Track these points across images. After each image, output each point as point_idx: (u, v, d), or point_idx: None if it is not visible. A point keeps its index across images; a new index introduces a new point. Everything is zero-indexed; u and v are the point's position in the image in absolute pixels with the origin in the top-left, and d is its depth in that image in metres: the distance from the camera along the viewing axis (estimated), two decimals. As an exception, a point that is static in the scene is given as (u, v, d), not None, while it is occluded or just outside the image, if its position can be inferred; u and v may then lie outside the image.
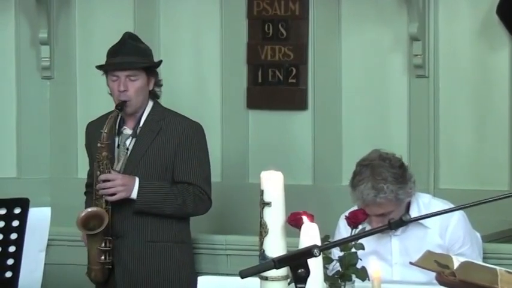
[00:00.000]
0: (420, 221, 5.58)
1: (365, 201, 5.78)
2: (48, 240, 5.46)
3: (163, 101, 7.15)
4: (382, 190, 5.81)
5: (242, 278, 3.93)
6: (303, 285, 3.76)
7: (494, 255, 6.37)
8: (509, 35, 7.44)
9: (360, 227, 5.18)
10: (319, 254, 3.88)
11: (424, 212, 5.93)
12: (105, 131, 6.55)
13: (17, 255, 5.23)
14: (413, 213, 5.98)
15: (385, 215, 5.83)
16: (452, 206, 5.66)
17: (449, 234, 6.04)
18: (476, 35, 7.75)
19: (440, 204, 6.09)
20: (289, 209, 4.55)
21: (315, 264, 4.12)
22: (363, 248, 4.99)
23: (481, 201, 4.47)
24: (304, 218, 4.48)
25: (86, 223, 6.50)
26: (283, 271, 4.21)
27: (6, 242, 5.13)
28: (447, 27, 7.75)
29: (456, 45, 7.75)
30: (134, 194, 6.61)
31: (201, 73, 8.20)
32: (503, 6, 7.30)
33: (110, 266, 6.79)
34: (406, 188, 5.92)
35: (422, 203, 6.17)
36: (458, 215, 6.03)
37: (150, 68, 6.77)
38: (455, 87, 7.79)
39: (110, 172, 6.60)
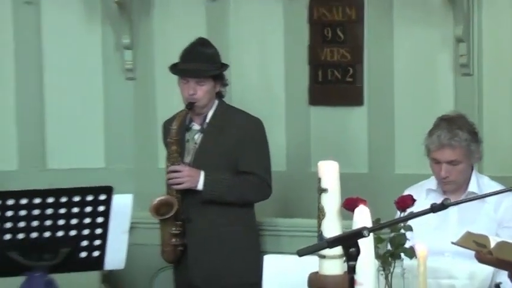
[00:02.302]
0: (482, 194, 6.18)
1: (441, 143, 6.43)
2: (132, 223, 6.10)
3: (233, 98, 8.06)
4: (457, 135, 6.42)
5: (299, 256, 4.43)
6: (354, 263, 4.24)
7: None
8: None
9: (408, 210, 5.39)
10: (369, 235, 4.32)
11: (482, 188, 6.54)
12: (174, 127, 7.34)
13: (103, 237, 5.89)
14: (472, 187, 6.58)
15: (454, 164, 6.46)
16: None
17: (503, 209, 6.53)
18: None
19: (495, 185, 6.61)
20: (346, 194, 5.16)
21: (366, 244, 4.66)
22: (411, 229, 5.24)
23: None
24: (358, 203, 5.03)
25: (158, 209, 7.34)
26: (338, 250, 4.62)
27: (94, 225, 5.84)
28: (490, 29, 7.91)
29: (499, 45, 7.90)
30: (200, 185, 7.29)
31: (267, 73, 8.57)
32: None
33: (182, 248, 7.38)
34: (477, 145, 6.58)
35: (482, 181, 6.68)
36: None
37: (217, 74, 7.42)
38: (499, 84, 7.96)
39: (179, 164, 7.36)
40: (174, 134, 7.44)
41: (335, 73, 8.38)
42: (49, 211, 5.86)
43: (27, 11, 9.03)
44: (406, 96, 8.24)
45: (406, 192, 6.02)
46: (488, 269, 5.28)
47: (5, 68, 9.07)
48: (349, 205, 5.14)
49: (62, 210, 5.88)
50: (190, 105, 7.40)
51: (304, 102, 8.51)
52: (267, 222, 7.80)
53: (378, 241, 5.11)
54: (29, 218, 5.82)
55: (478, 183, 6.68)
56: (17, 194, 5.78)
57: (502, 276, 5.16)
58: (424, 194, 6.56)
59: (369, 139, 8.38)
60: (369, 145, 8.38)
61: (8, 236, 5.79)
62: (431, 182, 6.69)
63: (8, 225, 5.79)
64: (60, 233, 5.90)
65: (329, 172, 5.20)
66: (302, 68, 8.50)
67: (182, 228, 7.47)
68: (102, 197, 5.94)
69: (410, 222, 5.22)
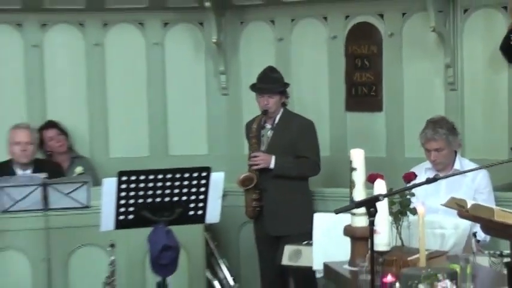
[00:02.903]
0: (462, 170, 6.47)
1: (427, 137, 6.56)
2: (224, 191, 6.18)
3: (296, 105, 8.09)
4: (438, 132, 6.54)
5: (336, 213, 4.60)
6: (373, 218, 4.34)
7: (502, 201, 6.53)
8: None
9: (412, 183, 5.29)
10: (383, 199, 4.55)
11: (463, 167, 6.62)
12: (254, 126, 7.40)
13: (205, 201, 6.00)
14: (456, 166, 6.68)
15: (439, 151, 6.57)
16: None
17: (478, 181, 6.64)
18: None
19: (473, 165, 6.52)
20: (369, 171, 5.15)
21: (382, 206, 4.71)
22: (414, 195, 5.19)
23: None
24: (377, 178, 5.00)
25: (243, 182, 7.35)
26: (363, 210, 4.64)
27: (198, 193, 5.93)
28: (469, 58, 7.77)
29: (475, 69, 7.76)
30: (272, 165, 7.28)
31: (316, 89, 8.45)
32: None
33: (259, 208, 7.39)
34: (454, 137, 6.63)
35: (464, 162, 6.75)
36: (485, 171, 6.63)
37: (281, 90, 7.44)
38: (475, 95, 7.83)
39: (257, 151, 7.37)
40: (254, 131, 7.48)
41: (363, 89, 8.27)
42: (168, 183, 5.88)
43: (156, 50, 9.00)
44: (412, 105, 8.09)
45: (411, 170, 5.92)
46: (467, 222, 5.20)
47: (140, 88, 9.02)
48: (371, 179, 5.11)
49: (177, 183, 5.90)
50: (264, 112, 7.42)
51: (342, 109, 8.40)
52: (317, 190, 7.66)
53: (390, 204, 5.05)
54: (154, 188, 5.84)
55: (461, 163, 6.76)
56: (147, 172, 5.83)
57: (477, 227, 5.09)
58: (423, 171, 6.54)
59: (386, 133, 8.24)
60: (386, 138, 8.23)
61: (140, 200, 5.82)
62: (428, 163, 6.72)
63: (141, 193, 5.82)
64: (175, 198, 5.94)
65: (357, 156, 5.27)
66: (340, 86, 8.37)
67: (259, 195, 7.45)
68: (204, 174, 5.99)
69: (413, 190, 5.16)
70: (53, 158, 8.44)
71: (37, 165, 7.48)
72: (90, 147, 8.97)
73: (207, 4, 8.50)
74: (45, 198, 6.26)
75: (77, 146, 8.85)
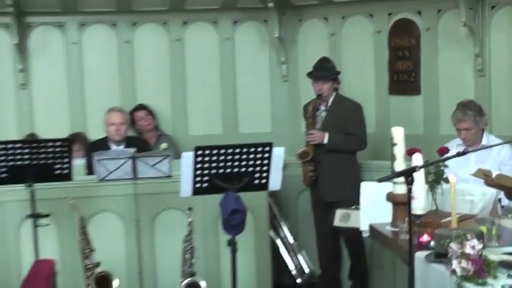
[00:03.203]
0: (488, 145, 6.34)
1: (457, 118, 6.39)
2: (284, 163, 6.10)
3: (346, 90, 7.91)
4: (467, 114, 6.36)
5: (379, 182, 4.58)
6: (411, 186, 4.30)
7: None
8: None
9: (445, 156, 5.24)
10: (419, 170, 4.54)
11: (490, 142, 6.45)
12: (310, 108, 7.43)
13: (268, 171, 5.92)
14: (484, 141, 6.48)
15: (468, 130, 6.37)
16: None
17: (502, 154, 6.41)
18: None
19: (498, 140, 6.44)
20: (408, 146, 5.10)
21: (419, 176, 4.67)
22: (447, 166, 5.08)
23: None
24: (415, 152, 4.87)
25: (301, 156, 7.35)
26: (402, 179, 4.53)
27: (262, 164, 5.86)
28: (495, 48, 7.61)
29: (501, 58, 7.58)
30: (325, 141, 7.25)
31: (364, 76, 8.34)
32: None
33: (315, 178, 7.38)
34: (481, 118, 6.43)
35: (490, 138, 6.57)
36: (509, 146, 6.37)
37: (333, 77, 7.44)
38: (501, 80, 7.62)
39: (313, 129, 7.37)
40: (310, 112, 7.47)
41: (404, 76, 8.12)
42: (237, 156, 5.85)
43: (227, 44, 8.99)
44: (445, 89, 7.91)
45: (444, 145, 5.92)
46: (493, 190, 5.19)
47: (214, 76, 9.03)
48: (409, 153, 5.01)
49: (244, 156, 5.86)
50: (319, 96, 7.39)
51: (385, 93, 8.25)
52: (364, 163, 7.58)
53: (426, 174, 4.95)
54: (225, 161, 5.82)
55: (488, 139, 6.57)
56: (219, 147, 5.82)
57: (501, 194, 5.19)
58: (455, 146, 6.38)
59: (423, 114, 8.06)
60: (423, 117, 8.06)
61: (213, 171, 5.80)
62: (459, 140, 6.55)
63: (214, 165, 5.81)
64: (242, 169, 5.89)
65: (398, 133, 5.21)
66: (384, 73, 8.23)
67: (315, 166, 7.41)
68: (267, 148, 5.93)
69: (446, 162, 5.05)
70: (142, 135, 8.50)
71: (128, 142, 7.51)
72: (172, 126, 8.96)
73: (270, 5, 8.51)
74: (135, 169, 6.29)
75: (162, 126, 8.85)
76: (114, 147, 7.46)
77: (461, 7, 7.49)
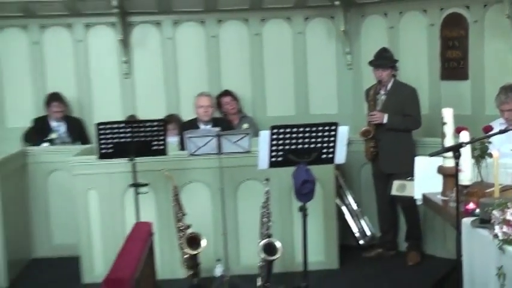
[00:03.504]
0: None
1: (501, 100, 6.20)
2: (349, 140, 6.06)
3: (403, 76, 7.71)
4: (509, 96, 6.15)
5: (430, 156, 4.71)
6: (458, 160, 4.36)
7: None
8: None
9: (489, 133, 5.21)
10: (466, 146, 4.65)
11: None
12: (371, 92, 7.28)
13: (334, 147, 5.85)
14: None
15: (510, 111, 6.14)
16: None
17: None
18: None
19: None
20: (457, 124, 5.11)
21: (466, 151, 4.79)
22: (490, 143, 4.99)
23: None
24: (463, 130, 4.93)
25: (364, 133, 7.22)
26: (451, 153, 4.68)
27: (329, 141, 5.81)
28: None
29: None
30: (385, 121, 7.10)
31: (419, 63, 8.12)
32: None
33: (375, 152, 7.26)
34: None
35: None
36: None
37: (391, 65, 7.28)
38: None
39: (374, 110, 7.23)
40: (371, 95, 7.35)
41: (453, 63, 7.91)
42: (307, 134, 5.81)
43: (300, 37, 8.92)
44: (490, 74, 7.66)
45: (488, 124, 5.82)
46: None
47: (288, 64, 8.97)
48: (458, 131, 4.99)
49: (313, 134, 5.82)
50: (379, 82, 7.25)
51: (437, 78, 8.06)
52: (418, 140, 7.36)
53: (473, 149, 4.93)
54: (297, 138, 5.80)
55: None
56: (292, 126, 5.81)
57: None
58: (498, 125, 6.06)
59: (471, 96, 7.85)
60: (470, 99, 7.85)
61: (287, 147, 5.77)
62: (502, 119, 6.31)
63: (287, 141, 5.78)
64: (312, 145, 5.84)
65: (448, 114, 5.20)
66: (436, 61, 8.03)
67: (375, 143, 7.28)
68: (333, 127, 5.86)
69: (490, 139, 5.00)
70: (226, 117, 8.49)
71: (215, 122, 7.53)
72: (252, 109, 8.95)
73: (337, 3, 8.44)
74: (219, 145, 6.26)
75: (244, 108, 8.85)
76: (202, 126, 7.47)
77: (505, 1, 7.30)
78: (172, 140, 7.61)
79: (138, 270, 3.91)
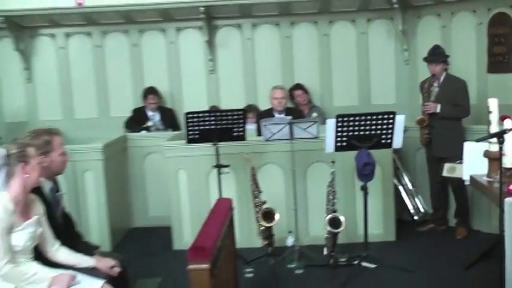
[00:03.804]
0: None
1: None
2: (405, 127, 6.16)
3: (454, 70, 7.40)
4: None
5: (477, 142, 4.68)
6: (502, 145, 4.38)
7: None
8: None
9: None
10: (509, 132, 4.57)
11: None
12: (426, 84, 7.11)
13: (392, 133, 5.88)
14: None
15: None
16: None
17: None
18: None
19: None
20: (501, 113, 4.96)
21: (509, 136, 4.63)
22: None
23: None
24: (507, 118, 4.85)
25: (419, 122, 7.06)
26: (495, 139, 4.54)
27: (387, 128, 5.84)
28: None
29: None
30: (438, 110, 6.91)
31: (467, 58, 7.85)
32: None
33: (429, 138, 7.08)
34: None
35: None
36: None
37: (444, 60, 7.09)
38: None
39: (428, 101, 7.03)
40: (426, 87, 7.18)
41: (499, 58, 7.63)
42: (368, 122, 5.82)
43: (363, 37, 8.78)
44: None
45: None
46: None
47: (351, 60, 8.86)
48: (502, 119, 4.87)
49: (374, 121, 5.82)
50: (433, 75, 7.08)
51: (484, 71, 7.79)
52: (467, 127, 7.12)
53: None
54: (359, 125, 5.83)
55: None
56: (355, 115, 5.84)
57: None
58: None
59: (516, 87, 7.60)
60: (516, 90, 7.62)
61: (350, 133, 5.79)
62: None
63: (351, 128, 5.82)
64: (372, 132, 5.85)
65: (493, 103, 5.10)
66: (484, 56, 7.76)
67: (429, 130, 7.10)
68: (391, 116, 5.86)
69: None
70: (298, 107, 8.41)
71: (287, 111, 7.48)
72: (321, 100, 8.84)
73: (396, 6, 8.29)
74: (291, 131, 6.23)
75: (313, 99, 8.76)
76: (276, 115, 7.42)
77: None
78: (251, 127, 7.59)
79: (219, 239, 3.93)
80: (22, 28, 8.85)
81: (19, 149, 3.90)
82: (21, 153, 3.89)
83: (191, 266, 3.40)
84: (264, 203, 6.39)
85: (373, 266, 6.06)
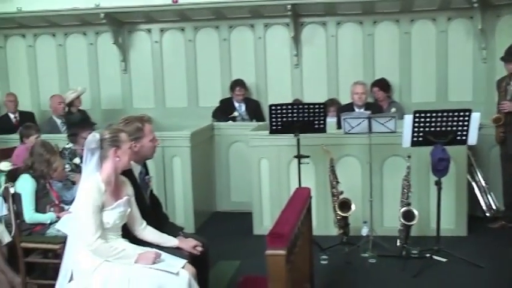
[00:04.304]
0: None
1: None
2: (480, 124, 5.86)
3: None
4: None
5: None
6: None
7: None
8: None
9: None
10: None
11: None
12: (503, 84, 6.86)
13: (467, 130, 5.67)
14: None
15: None
16: None
17: None
18: None
19: None
20: None
21: None
22: None
23: None
24: None
25: (494, 120, 6.87)
26: None
27: (463, 125, 5.63)
28: None
29: None
30: None
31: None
32: None
33: (504, 137, 6.86)
34: None
35: None
36: None
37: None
38: None
39: (504, 100, 6.79)
40: (503, 86, 6.93)
41: None
42: (444, 118, 5.70)
43: (442, 37, 8.52)
44: None
45: None
46: None
47: (431, 60, 8.59)
48: None
49: (450, 118, 5.71)
50: (510, 74, 6.81)
51: None
52: None
53: None
54: (435, 121, 5.71)
55: None
56: (431, 111, 5.70)
57: None
58: None
59: None
60: None
61: (427, 129, 5.65)
62: None
63: (427, 124, 5.68)
64: (448, 128, 5.71)
65: None
66: None
67: (505, 128, 6.86)
68: (467, 113, 5.73)
69: None
70: (377, 102, 8.27)
71: (367, 106, 7.39)
72: (400, 96, 8.65)
73: (476, 5, 8.01)
74: (370, 126, 6.11)
75: (393, 96, 8.60)
76: (356, 109, 7.32)
77: None
78: (332, 120, 7.49)
79: (296, 226, 3.88)
80: (122, 24, 9.07)
81: (112, 134, 4.00)
82: (113, 138, 3.98)
83: (269, 251, 3.37)
84: (341, 193, 6.32)
85: (444, 259, 5.91)
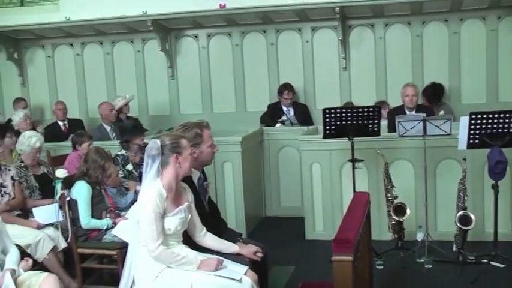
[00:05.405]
0: None
1: None
2: None
3: None
4: None
5: None
6: None
7: None
8: None
9: None
10: None
11: None
12: None
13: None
14: None
15: None
16: None
17: None
18: None
19: None
20: None
21: None
22: None
23: None
24: None
25: None
26: None
27: None
28: None
29: None
30: None
31: None
32: None
33: None
34: None
35: None
36: None
37: None
38: None
39: None
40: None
41: None
42: (501, 120, 5.57)
43: (493, 36, 8.36)
44: None
45: None
46: None
47: (481, 60, 8.46)
48: None
49: (506, 119, 5.55)
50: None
51: None
52: None
53: None
54: (492, 123, 5.57)
55: None
56: (487, 113, 5.57)
57: None
58: None
59: None
60: None
61: (483, 131, 5.54)
62: None
63: (483, 126, 5.56)
64: (506, 129, 5.60)
65: None
66: None
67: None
68: None
69: None
70: (427, 105, 8.13)
71: (418, 109, 7.30)
72: (449, 97, 8.51)
73: (527, 3, 7.88)
74: (424, 128, 6.02)
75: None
76: (407, 112, 7.23)
77: None
78: (383, 123, 7.40)
79: (359, 232, 3.87)
80: (169, 30, 9.15)
81: (173, 141, 4.02)
82: (174, 144, 4.01)
83: (335, 257, 3.36)
84: (396, 197, 6.25)
85: (502, 265, 5.79)
